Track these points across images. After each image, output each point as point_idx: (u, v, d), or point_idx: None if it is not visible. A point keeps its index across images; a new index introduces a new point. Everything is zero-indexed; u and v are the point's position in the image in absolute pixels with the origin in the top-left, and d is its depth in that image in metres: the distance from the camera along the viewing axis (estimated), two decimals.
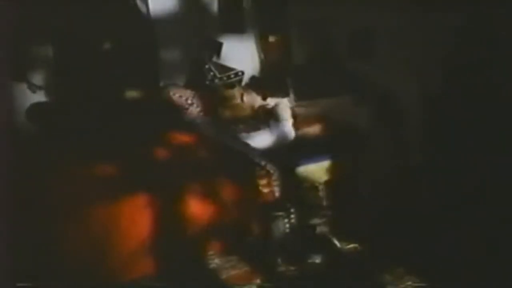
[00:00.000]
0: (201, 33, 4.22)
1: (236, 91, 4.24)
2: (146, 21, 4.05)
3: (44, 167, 3.09)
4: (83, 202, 2.80)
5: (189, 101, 4.06)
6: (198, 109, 4.08)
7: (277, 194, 3.29)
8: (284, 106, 4.01)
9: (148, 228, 2.88)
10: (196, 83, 4.24)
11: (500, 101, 2.86)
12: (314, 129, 3.76)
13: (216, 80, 4.24)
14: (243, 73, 4.37)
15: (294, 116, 3.90)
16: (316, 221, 3.41)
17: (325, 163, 3.56)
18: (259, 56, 4.47)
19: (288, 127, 3.79)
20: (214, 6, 4.28)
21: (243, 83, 4.40)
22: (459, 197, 3.04)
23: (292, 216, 3.32)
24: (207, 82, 4.21)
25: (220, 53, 4.30)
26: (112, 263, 2.82)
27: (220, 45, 4.30)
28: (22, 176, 2.88)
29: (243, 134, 3.70)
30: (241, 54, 4.35)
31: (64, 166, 3.07)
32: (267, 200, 3.27)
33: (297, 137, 3.72)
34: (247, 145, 3.47)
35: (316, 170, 3.55)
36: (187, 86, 4.20)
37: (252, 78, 4.47)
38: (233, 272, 3.03)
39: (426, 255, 2.87)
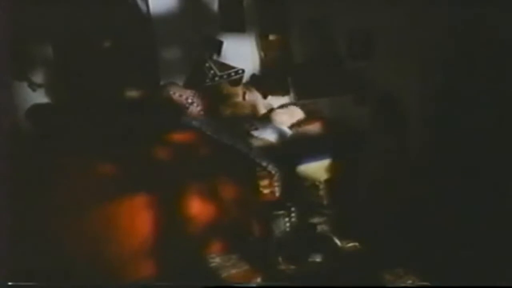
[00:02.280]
0: (201, 32, 4.22)
1: (239, 89, 4.25)
2: (146, 20, 4.05)
3: (44, 167, 3.09)
4: (83, 202, 2.80)
5: (189, 100, 4.06)
6: (199, 108, 4.08)
7: (278, 194, 3.30)
8: (282, 112, 4.03)
9: (149, 227, 2.88)
10: (196, 81, 4.24)
11: (502, 101, 2.86)
12: (314, 128, 3.76)
13: (216, 78, 4.25)
14: (243, 71, 4.37)
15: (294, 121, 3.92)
16: (316, 220, 3.41)
17: (326, 162, 3.57)
18: (259, 55, 4.47)
19: (282, 128, 3.79)
20: (215, 4, 4.28)
21: (244, 81, 4.41)
22: (460, 196, 3.03)
23: (293, 215, 3.32)
24: (208, 81, 4.22)
25: (220, 51, 4.30)
26: (112, 264, 2.83)
27: (220, 43, 4.30)
28: (22, 175, 2.89)
29: (244, 133, 3.70)
30: (241, 53, 4.35)
31: (64, 166, 3.07)
32: (268, 199, 3.27)
33: (297, 136, 3.72)
34: (249, 145, 3.47)
35: (317, 169, 3.55)
36: (187, 84, 4.20)
37: (253, 76, 4.47)
38: (233, 271, 3.03)
39: (426, 255, 2.87)
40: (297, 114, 3.99)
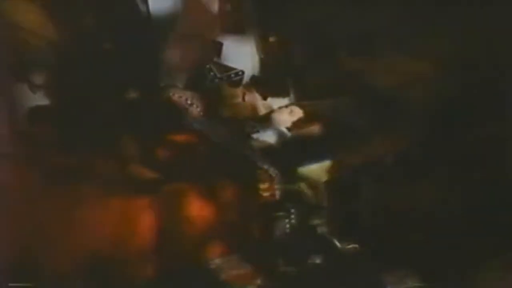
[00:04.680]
0: (201, 33, 4.21)
1: (239, 90, 4.24)
2: (146, 21, 4.05)
3: (44, 167, 3.09)
4: (83, 204, 2.80)
5: (189, 102, 4.05)
6: (198, 109, 4.07)
7: (278, 197, 3.29)
8: (280, 112, 4.02)
9: (148, 229, 2.88)
10: (196, 83, 4.23)
11: (503, 102, 2.86)
12: (314, 130, 3.76)
13: (216, 80, 4.24)
14: (243, 72, 4.36)
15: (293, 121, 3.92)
16: (316, 221, 3.40)
17: (326, 164, 3.56)
18: (259, 56, 4.47)
19: (282, 130, 3.78)
20: (214, 6, 4.28)
21: (244, 82, 4.40)
22: (460, 197, 3.03)
23: (293, 216, 3.31)
24: (207, 82, 4.21)
25: (220, 53, 4.30)
26: (112, 266, 2.82)
27: (220, 45, 4.29)
28: (21, 176, 2.89)
29: (244, 135, 3.70)
30: (241, 54, 4.34)
31: (63, 168, 3.07)
32: (268, 201, 3.26)
33: (297, 138, 3.71)
34: (249, 147, 3.47)
35: (316, 170, 3.54)
36: (187, 86, 4.19)
37: (252, 77, 4.46)
38: (233, 273, 3.02)
39: (426, 256, 2.87)
40: (297, 112, 3.99)
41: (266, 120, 3.98)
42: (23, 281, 2.56)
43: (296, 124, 3.86)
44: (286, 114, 3.95)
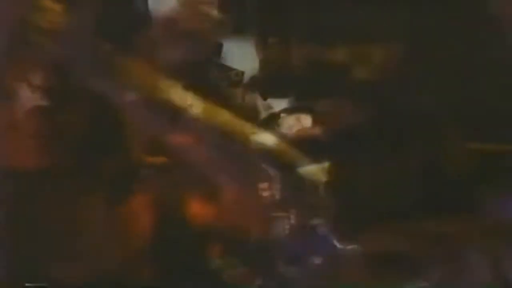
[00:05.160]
0: (201, 34, 4.22)
1: (239, 91, 4.25)
2: (146, 21, 4.05)
3: (43, 167, 3.09)
4: (82, 203, 2.80)
5: (189, 102, 4.05)
6: (198, 109, 4.07)
7: (277, 197, 3.29)
8: (287, 119, 4.02)
9: (148, 230, 2.89)
10: (196, 83, 4.23)
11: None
12: (314, 130, 3.76)
13: (216, 80, 4.25)
14: (243, 73, 4.37)
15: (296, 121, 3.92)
16: (316, 221, 3.41)
17: (326, 164, 3.56)
18: (259, 57, 4.47)
19: (282, 131, 3.79)
20: (214, 6, 4.28)
21: (244, 82, 4.40)
22: (461, 196, 3.03)
23: (292, 216, 3.31)
24: (207, 82, 4.22)
25: (220, 53, 4.30)
26: (111, 266, 2.82)
27: (220, 45, 4.30)
28: (21, 177, 2.89)
29: (244, 135, 3.70)
30: (241, 54, 4.35)
31: (63, 167, 3.07)
32: (267, 201, 3.27)
33: (297, 138, 3.72)
34: (249, 147, 3.47)
35: (316, 170, 3.55)
36: (187, 86, 4.19)
37: (252, 78, 4.46)
38: (233, 273, 3.03)
39: (427, 256, 2.87)
40: (304, 119, 3.98)
41: (268, 123, 3.99)
42: (39, 281, 2.57)
43: (301, 131, 3.86)
44: (293, 121, 3.96)
